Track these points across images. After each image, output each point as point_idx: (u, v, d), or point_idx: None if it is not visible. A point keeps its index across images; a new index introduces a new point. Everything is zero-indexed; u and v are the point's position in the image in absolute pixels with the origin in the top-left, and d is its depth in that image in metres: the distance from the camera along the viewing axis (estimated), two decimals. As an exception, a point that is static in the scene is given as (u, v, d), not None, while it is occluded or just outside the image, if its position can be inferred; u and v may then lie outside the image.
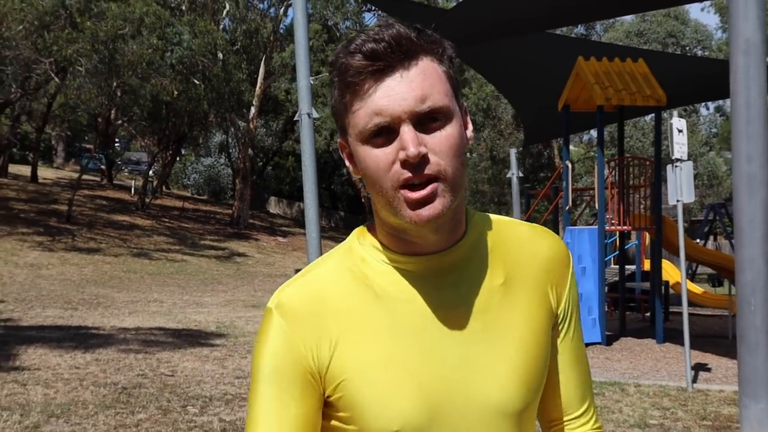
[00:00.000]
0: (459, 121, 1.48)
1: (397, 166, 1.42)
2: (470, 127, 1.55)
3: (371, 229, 1.60)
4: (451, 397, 1.49)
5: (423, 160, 1.41)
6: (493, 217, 1.66)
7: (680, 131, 10.99)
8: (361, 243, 1.59)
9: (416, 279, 1.53)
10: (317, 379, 1.51)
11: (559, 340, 1.66)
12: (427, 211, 1.42)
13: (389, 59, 1.42)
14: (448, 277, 1.54)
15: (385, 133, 1.43)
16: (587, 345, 13.78)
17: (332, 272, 1.56)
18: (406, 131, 1.41)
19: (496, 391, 1.51)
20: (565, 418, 1.70)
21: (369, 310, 1.52)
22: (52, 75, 31.79)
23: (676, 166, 10.82)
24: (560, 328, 1.65)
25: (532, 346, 1.55)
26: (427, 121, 1.43)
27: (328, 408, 1.54)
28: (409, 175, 1.41)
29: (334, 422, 1.54)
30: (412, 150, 1.39)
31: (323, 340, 1.50)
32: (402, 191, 1.43)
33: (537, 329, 1.57)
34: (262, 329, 1.56)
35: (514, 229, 1.65)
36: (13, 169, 44.16)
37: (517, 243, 1.62)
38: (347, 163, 1.56)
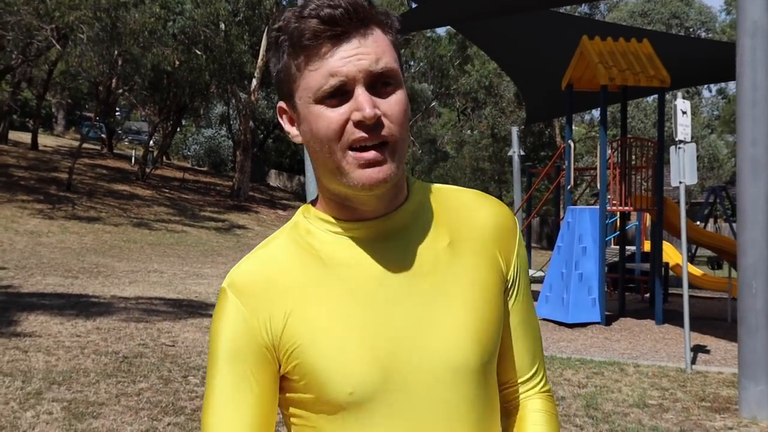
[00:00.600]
0: (405, 89, 1.52)
1: (350, 126, 1.44)
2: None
3: (314, 204, 1.63)
4: (403, 358, 1.50)
5: (377, 122, 1.44)
6: (435, 185, 1.69)
7: (684, 113, 10.97)
8: (305, 217, 1.62)
9: (361, 244, 1.55)
10: (272, 353, 1.52)
11: (509, 306, 1.67)
12: (376, 174, 1.45)
13: (346, 25, 1.45)
14: (392, 241, 1.56)
15: (339, 95, 1.45)
16: (586, 324, 13.82)
17: (281, 248, 1.59)
18: (361, 92, 1.43)
19: (449, 349, 1.51)
20: (510, 383, 1.72)
21: (318, 278, 1.54)
22: (54, 42, 31.67)
23: (679, 148, 10.81)
24: (510, 293, 1.67)
25: (482, 305, 1.56)
26: (379, 84, 1.46)
27: (286, 381, 1.55)
28: (362, 135, 1.44)
29: (290, 394, 1.56)
30: (369, 111, 1.42)
31: (276, 312, 1.52)
32: (352, 152, 1.45)
33: (487, 290, 1.58)
34: (217, 309, 1.58)
35: (457, 195, 1.67)
36: (13, 135, 44.11)
37: (461, 208, 1.65)
38: (287, 127, 1.57)
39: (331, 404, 1.50)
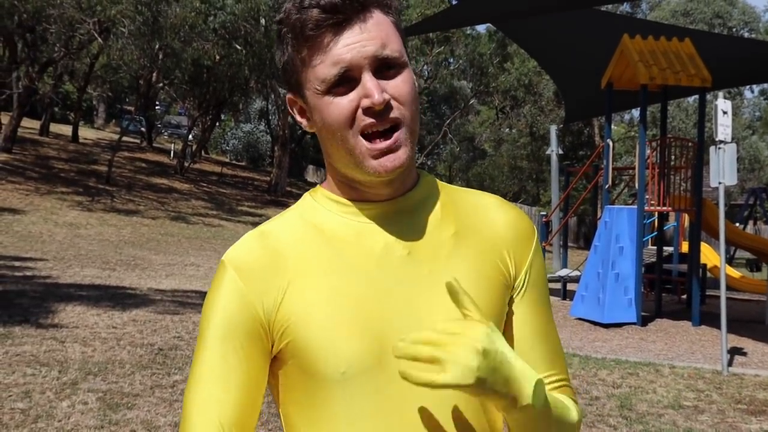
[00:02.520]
0: (411, 70, 1.52)
1: (360, 113, 1.45)
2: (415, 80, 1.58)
3: (324, 186, 1.63)
4: (396, 340, 1.45)
5: (387, 106, 1.44)
6: (450, 185, 1.69)
7: (725, 113, 10.88)
8: (313, 197, 1.62)
9: (365, 224, 1.55)
10: (266, 329, 1.51)
11: (514, 314, 1.63)
12: (391, 162, 1.46)
13: (347, 12, 1.44)
14: (396, 224, 1.56)
15: (345, 83, 1.45)
16: (622, 325, 13.74)
17: (285, 223, 1.59)
18: (368, 79, 1.44)
19: None
20: None
21: (318, 253, 1.53)
22: (96, 35, 31.92)
23: (719, 148, 10.71)
24: (516, 300, 1.63)
25: (481, 297, 1.54)
26: (384, 68, 1.46)
27: (277, 360, 1.54)
28: (372, 121, 1.44)
29: (284, 368, 1.55)
30: (377, 97, 1.42)
31: (272, 288, 1.51)
32: (365, 142, 1.45)
33: (488, 285, 1.56)
34: (214, 281, 1.57)
35: (474, 196, 1.67)
36: (54, 128, 44.45)
37: (474, 207, 1.64)
38: (298, 118, 1.58)
39: (322, 381, 1.48)
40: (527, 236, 1.65)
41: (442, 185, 1.66)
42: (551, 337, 1.67)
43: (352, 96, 1.45)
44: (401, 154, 1.46)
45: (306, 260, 1.53)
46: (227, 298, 1.53)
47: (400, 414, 1.48)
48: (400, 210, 1.57)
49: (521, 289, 1.63)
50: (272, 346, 1.53)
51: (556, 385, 1.66)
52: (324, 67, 1.45)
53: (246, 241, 1.57)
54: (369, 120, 1.44)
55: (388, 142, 1.45)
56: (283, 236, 1.57)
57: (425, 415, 1.49)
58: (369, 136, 1.46)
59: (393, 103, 1.45)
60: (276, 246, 1.55)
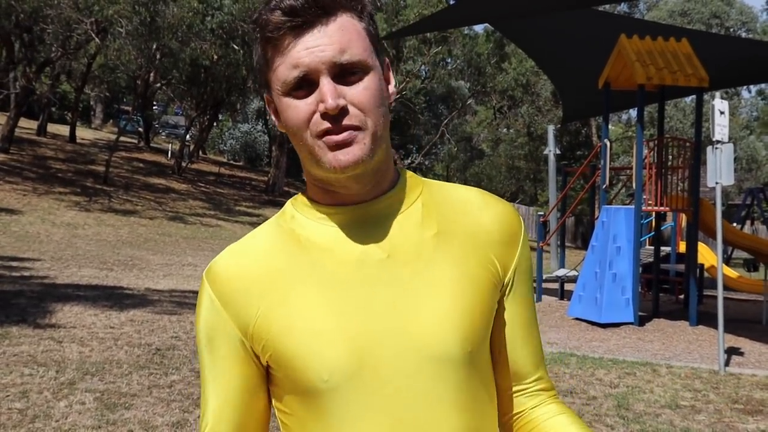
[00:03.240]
0: (379, 75, 1.51)
1: (317, 117, 1.45)
2: (392, 82, 1.58)
3: (303, 193, 1.64)
4: (380, 344, 1.48)
5: (342, 111, 1.44)
6: (434, 181, 1.68)
7: (722, 113, 10.89)
8: (293, 204, 1.63)
9: (342, 229, 1.55)
10: (246, 342, 1.54)
11: (505, 310, 1.65)
12: (345, 156, 1.45)
13: (308, 15, 1.44)
14: (373, 227, 1.55)
15: (306, 86, 1.45)
16: (619, 324, 13.75)
17: (263, 235, 1.61)
18: (325, 83, 1.43)
19: (428, 336, 1.49)
20: (515, 387, 1.69)
21: (295, 264, 1.54)
22: (93, 35, 31.91)
23: (716, 148, 10.72)
24: (507, 295, 1.64)
25: (466, 296, 1.53)
26: (346, 74, 1.46)
27: (267, 367, 1.56)
28: (329, 126, 1.44)
29: (273, 378, 1.56)
30: (331, 102, 1.42)
31: (247, 305, 1.53)
32: (322, 138, 1.45)
33: (475, 284, 1.55)
34: (198, 299, 1.62)
35: (458, 192, 1.66)
36: (51, 128, 44.43)
37: (457, 204, 1.63)
38: (273, 117, 1.59)
39: (308, 391, 1.49)
40: (514, 232, 1.65)
41: (424, 182, 1.65)
42: (536, 332, 1.72)
43: (310, 100, 1.45)
44: (356, 150, 1.45)
45: (282, 272, 1.54)
46: (207, 314, 1.58)
47: (389, 420, 1.48)
48: (378, 212, 1.56)
49: (511, 285, 1.64)
50: (259, 357, 1.55)
51: (550, 392, 1.72)
52: (283, 69, 1.46)
53: (224, 256, 1.59)
54: (325, 125, 1.44)
55: (341, 136, 1.44)
56: (260, 249, 1.58)
57: (414, 420, 1.48)
58: (326, 135, 1.46)
59: (351, 109, 1.45)
60: (253, 260, 1.57)
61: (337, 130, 1.44)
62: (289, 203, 1.65)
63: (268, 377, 1.58)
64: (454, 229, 1.59)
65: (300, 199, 1.62)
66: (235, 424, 1.57)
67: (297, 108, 1.46)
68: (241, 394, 1.56)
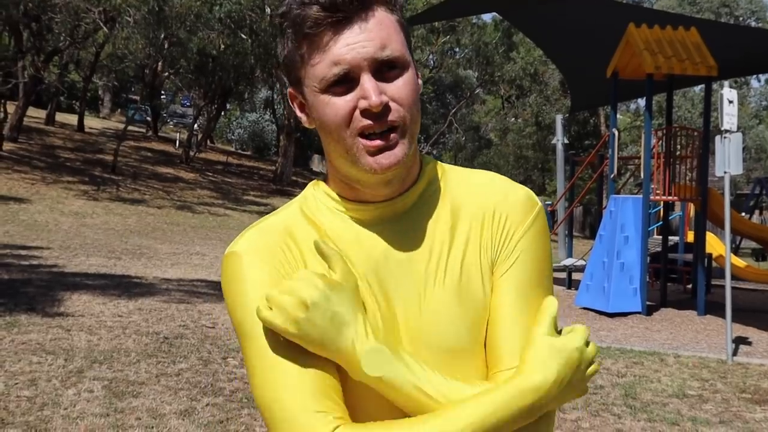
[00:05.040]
0: (414, 70, 1.50)
1: (357, 114, 1.43)
2: (419, 75, 1.55)
3: (325, 181, 1.62)
4: (398, 338, 1.50)
5: (384, 108, 1.43)
6: (451, 167, 1.66)
7: (731, 102, 10.86)
8: (315, 191, 1.61)
9: (365, 225, 1.54)
10: None
11: (496, 280, 1.55)
12: (386, 159, 1.44)
13: (347, 10, 1.43)
14: (394, 225, 1.55)
15: (345, 82, 1.44)
16: (627, 314, 13.74)
17: (289, 216, 1.58)
18: (367, 80, 1.42)
19: (441, 332, 1.50)
20: (494, 369, 1.52)
21: (316, 255, 1.52)
22: (101, 24, 31.90)
23: (724, 137, 10.70)
24: (500, 267, 1.55)
25: (475, 289, 1.54)
26: (385, 69, 1.44)
27: None
28: (370, 122, 1.43)
29: None
30: (375, 99, 1.40)
31: (291, 263, 1.51)
32: (361, 139, 1.44)
33: (482, 273, 1.55)
34: (231, 276, 1.51)
35: (473, 176, 1.64)
36: (60, 117, 44.47)
37: (472, 189, 1.61)
38: (298, 113, 1.56)
39: None
40: (523, 210, 1.58)
41: (442, 171, 1.63)
42: (524, 321, 1.54)
43: (350, 97, 1.43)
44: (398, 152, 1.44)
45: (304, 258, 1.53)
46: (256, 279, 1.49)
47: (402, 414, 1.47)
48: (399, 211, 1.56)
49: (505, 261, 1.56)
50: None
51: None
52: (323, 67, 1.44)
53: (250, 233, 1.55)
54: (366, 122, 1.43)
55: (383, 141, 1.44)
56: (287, 225, 1.56)
57: None
58: (366, 137, 1.44)
59: (392, 105, 1.44)
60: (282, 233, 1.55)
61: (379, 127, 1.43)
62: (310, 190, 1.62)
63: None
64: (467, 217, 1.58)
65: (322, 187, 1.60)
66: (326, 384, 1.44)
67: (336, 105, 1.44)
68: (318, 360, 1.44)
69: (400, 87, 1.45)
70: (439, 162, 1.65)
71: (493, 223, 1.58)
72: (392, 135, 1.44)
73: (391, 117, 1.43)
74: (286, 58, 1.52)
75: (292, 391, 1.42)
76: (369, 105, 1.41)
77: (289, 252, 1.53)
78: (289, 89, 1.57)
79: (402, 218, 1.55)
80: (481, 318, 1.54)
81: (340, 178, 1.55)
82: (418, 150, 1.58)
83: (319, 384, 1.43)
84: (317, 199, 1.59)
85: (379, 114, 1.42)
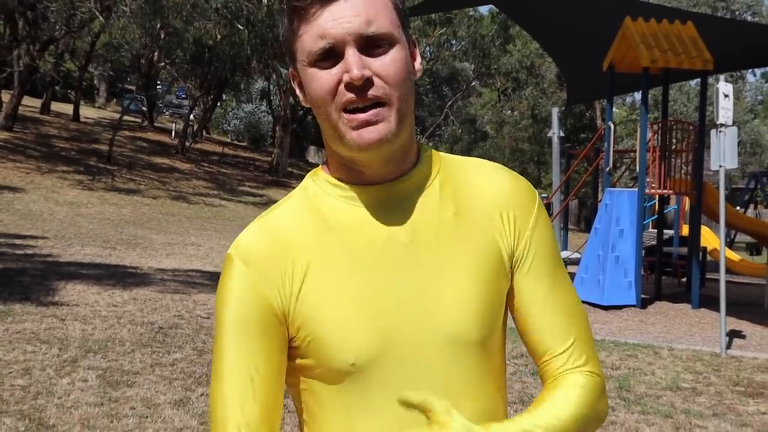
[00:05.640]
0: (405, 49, 1.49)
1: (342, 88, 1.43)
2: (418, 59, 1.55)
3: (324, 168, 1.61)
4: (403, 328, 1.48)
5: (367, 82, 1.42)
6: (450, 156, 1.66)
7: (726, 96, 10.87)
8: (314, 180, 1.60)
9: (366, 209, 1.53)
10: (281, 319, 1.51)
11: (521, 278, 1.59)
12: (369, 134, 1.43)
13: None
14: (397, 208, 1.54)
15: (331, 57, 1.43)
16: (622, 307, 13.76)
17: (289, 212, 1.57)
18: (351, 54, 1.42)
19: (449, 321, 1.49)
20: (545, 357, 1.60)
21: (324, 244, 1.52)
22: (97, 13, 31.81)
23: (720, 131, 10.70)
24: (520, 265, 1.59)
25: (485, 278, 1.54)
26: (371, 46, 1.44)
27: (294, 345, 1.53)
28: (352, 96, 1.42)
29: (292, 361, 1.55)
30: (356, 72, 1.40)
31: (286, 277, 1.51)
32: (345, 114, 1.44)
33: (491, 262, 1.55)
34: (223, 276, 1.55)
35: (471, 166, 1.64)
36: (55, 106, 44.39)
37: (472, 179, 1.61)
38: (297, 92, 1.57)
39: (332, 373, 1.49)
40: (527, 202, 1.61)
41: (442, 159, 1.64)
42: (568, 298, 1.62)
43: (335, 71, 1.43)
44: (381, 128, 1.43)
45: (313, 251, 1.52)
46: (239, 291, 1.51)
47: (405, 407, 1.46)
48: (400, 192, 1.54)
49: (523, 260, 1.59)
50: (289, 334, 1.52)
51: (583, 366, 1.61)
52: (309, 39, 1.44)
53: (250, 231, 1.56)
54: (349, 95, 1.42)
55: (366, 114, 1.43)
56: (288, 225, 1.55)
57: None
58: (350, 111, 1.44)
59: (375, 80, 1.43)
60: (281, 235, 1.54)
61: (362, 102, 1.42)
62: (309, 179, 1.61)
63: (288, 353, 1.56)
64: (471, 206, 1.58)
65: (321, 174, 1.59)
66: (265, 412, 1.51)
67: (321, 79, 1.44)
68: (269, 379, 1.51)
69: (387, 64, 1.44)
70: (434, 150, 1.65)
71: (503, 217, 1.59)
72: (376, 110, 1.43)
73: (374, 92, 1.43)
74: (283, 36, 1.53)
75: (222, 414, 1.50)
76: (350, 78, 1.40)
77: (284, 254, 1.52)
78: (290, 69, 1.57)
79: (403, 202, 1.54)
80: (491, 309, 1.54)
81: (338, 161, 1.54)
82: (414, 134, 1.58)
83: (255, 410, 1.49)
84: (318, 187, 1.58)
85: (361, 87, 1.42)
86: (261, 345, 1.50)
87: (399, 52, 1.47)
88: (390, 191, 1.54)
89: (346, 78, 1.41)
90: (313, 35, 1.43)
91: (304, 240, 1.53)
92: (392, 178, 1.54)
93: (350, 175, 1.54)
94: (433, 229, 1.54)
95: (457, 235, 1.55)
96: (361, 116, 1.43)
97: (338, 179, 1.56)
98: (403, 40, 1.49)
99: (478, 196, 1.59)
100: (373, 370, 1.48)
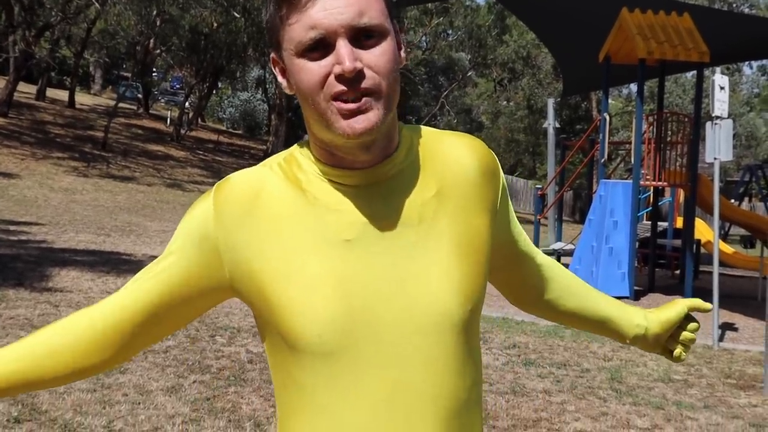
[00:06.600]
0: (393, 39, 1.50)
1: (332, 79, 1.43)
2: (403, 47, 1.56)
3: (309, 147, 1.60)
4: (380, 309, 1.48)
5: (359, 74, 1.42)
6: (423, 128, 1.67)
7: (722, 88, 10.87)
8: (300, 153, 1.60)
9: (347, 191, 1.53)
10: (227, 275, 1.56)
11: (510, 234, 1.79)
12: (360, 123, 1.43)
13: None
14: (378, 191, 1.54)
15: (321, 48, 1.43)
16: (615, 299, 13.76)
17: (274, 173, 1.57)
18: (342, 45, 1.41)
19: (430, 301, 1.50)
20: (537, 259, 1.91)
21: (300, 216, 1.52)
22: (93, 0, 31.76)
23: (715, 124, 10.71)
24: (505, 223, 1.76)
25: (470, 257, 1.55)
26: (362, 37, 1.43)
27: (257, 315, 1.56)
28: (343, 88, 1.42)
29: (269, 340, 1.56)
30: (348, 64, 1.40)
31: (250, 239, 1.52)
32: (335, 102, 1.43)
33: (475, 238, 1.58)
34: (198, 201, 1.60)
35: (442, 140, 1.65)
36: (50, 93, 44.31)
37: (446, 154, 1.62)
38: (279, 78, 1.56)
39: (300, 345, 1.48)
40: (494, 169, 1.68)
41: (420, 134, 1.64)
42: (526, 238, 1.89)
43: (325, 62, 1.43)
44: (371, 117, 1.43)
45: (288, 219, 1.52)
46: (200, 217, 1.56)
47: (385, 382, 1.49)
48: (382, 176, 1.54)
49: (503, 221, 1.75)
50: (245, 298, 1.56)
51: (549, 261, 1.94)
52: (299, 28, 1.43)
53: (237, 178, 1.57)
54: (340, 87, 1.42)
55: (356, 104, 1.42)
56: (269, 186, 1.55)
57: (409, 382, 1.49)
58: (340, 100, 1.43)
59: (367, 72, 1.43)
60: (260, 195, 1.54)
61: (352, 93, 1.42)
62: (296, 150, 1.61)
63: (266, 345, 1.58)
64: (450, 182, 1.59)
65: (306, 151, 1.59)
66: (120, 317, 1.64)
67: (311, 70, 1.44)
68: (166, 301, 1.60)
69: (378, 55, 1.44)
70: (412, 125, 1.65)
71: (479, 186, 1.63)
72: (366, 99, 1.43)
73: (365, 84, 1.43)
74: (268, 22, 1.52)
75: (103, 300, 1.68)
76: (342, 70, 1.40)
77: (255, 215, 1.53)
78: (272, 55, 1.56)
79: (384, 185, 1.54)
80: (474, 288, 1.55)
81: (319, 145, 1.54)
82: (397, 121, 1.58)
83: (106, 309, 1.68)
84: (302, 159, 1.58)
85: (352, 80, 1.42)
86: (181, 271, 1.59)
87: (389, 43, 1.47)
88: (371, 176, 1.54)
89: (337, 70, 1.41)
90: (303, 25, 1.42)
91: (281, 207, 1.54)
92: (375, 163, 1.54)
93: (330, 158, 1.54)
94: (414, 210, 1.55)
95: (438, 215, 1.56)
96: (352, 106, 1.43)
97: (320, 161, 1.56)
98: (392, 30, 1.49)
99: (455, 171, 1.61)
100: (345, 348, 1.47)
